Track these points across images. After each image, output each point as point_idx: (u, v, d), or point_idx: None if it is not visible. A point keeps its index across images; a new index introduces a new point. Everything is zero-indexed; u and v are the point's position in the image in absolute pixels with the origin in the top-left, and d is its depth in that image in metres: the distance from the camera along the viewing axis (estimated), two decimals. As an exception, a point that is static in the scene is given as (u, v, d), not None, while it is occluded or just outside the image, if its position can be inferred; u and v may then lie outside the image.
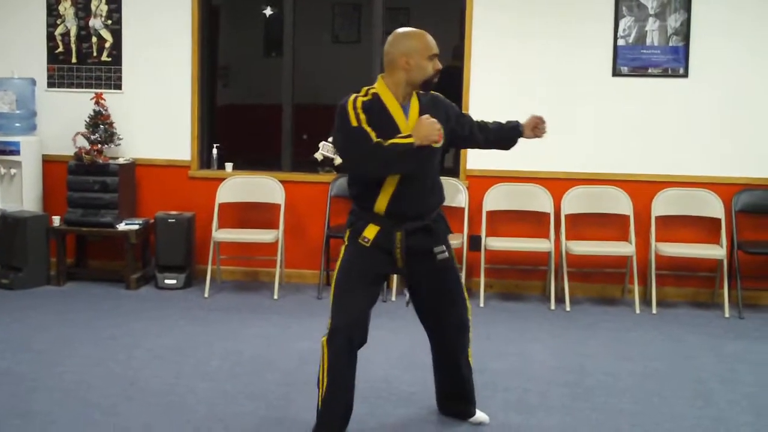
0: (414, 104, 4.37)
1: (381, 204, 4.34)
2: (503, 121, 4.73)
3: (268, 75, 9.30)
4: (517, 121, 4.70)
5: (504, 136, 4.74)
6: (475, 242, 7.38)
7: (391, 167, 4.23)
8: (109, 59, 7.96)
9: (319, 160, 7.78)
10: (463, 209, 7.45)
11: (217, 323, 6.64)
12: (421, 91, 4.40)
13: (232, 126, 9.34)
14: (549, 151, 7.47)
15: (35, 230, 7.53)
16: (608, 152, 7.50)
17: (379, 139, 4.15)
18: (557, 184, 7.46)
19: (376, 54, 7.79)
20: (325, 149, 7.77)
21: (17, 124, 7.81)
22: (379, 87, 4.35)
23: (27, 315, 6.73)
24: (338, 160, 7.75)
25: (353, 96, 4.29)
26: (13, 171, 7.75)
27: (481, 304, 7.18)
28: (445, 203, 7.22)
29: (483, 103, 7.49)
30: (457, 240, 7.31)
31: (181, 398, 5.06)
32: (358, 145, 4.18)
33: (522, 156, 7.45)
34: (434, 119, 4.19)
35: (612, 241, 7.44)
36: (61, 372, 5.52)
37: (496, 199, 7.48)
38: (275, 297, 7.30)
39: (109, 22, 7.95)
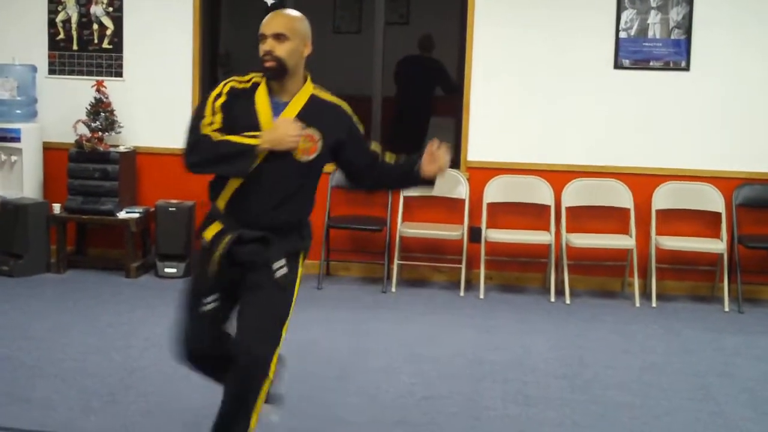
0: (295, 104, 3.76)
1: (222, 199, 3.77)
2: (406, 157, 4.00)
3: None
4: (417, 160, 3.90)
5: (402, 180, 4.04)
6: (475, 234, 7.38)
7: (214, 166, 3.67)
8: (110, 47, 7.94)
9: (320, 150, 7.75)
10: (463, 201, 7.44)
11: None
12: (315, 90, 3.84)
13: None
14: (550, 143, 7.47)
15: (36, 217, 7.52)
16: (609, 145, 7.49)
17: (215, 132, 3.63)
18: (558, 176, 7.45)
19: (377, 45, 7.77)
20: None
21: (18, 111, 7.80)
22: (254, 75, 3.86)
23: (27, 302, 6.73)
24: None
25: (231, 78, 3.85)
26: (13, 158, 7.73)
27: (481, 296, 7.18)
28: (446, 195, 7.38)
29: (484, 94, 7.48)
30: (457, 231, 7.31)
31: (178, 387, 5.06)
32: (192, 132, 3.66)
33: (523, 148, 7.50)
34: (296, 124, 3.63)
35: (612, 234, 7.43)
36: (61, 359, 5.52)
37: (496, 191, 7.46)
38: (275, 287, 7.28)
39: (111, 9, 7.92)
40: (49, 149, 7.95)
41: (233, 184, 3.72)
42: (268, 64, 3.73)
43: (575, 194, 7.43)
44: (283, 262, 3.77)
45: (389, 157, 3.97)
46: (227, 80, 3.80)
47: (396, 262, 7.39)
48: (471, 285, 7.40)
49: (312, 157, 3.74)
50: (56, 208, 7.67)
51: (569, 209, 7.43)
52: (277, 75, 3.75)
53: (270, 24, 3.79)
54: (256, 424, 3.84)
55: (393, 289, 7.30)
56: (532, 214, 7.51)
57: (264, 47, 3.74)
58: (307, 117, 3.70)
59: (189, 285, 3.94)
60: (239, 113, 3.70)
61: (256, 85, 3.79)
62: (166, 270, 7.51)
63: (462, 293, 7.24)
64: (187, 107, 7.79)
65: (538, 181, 7.45)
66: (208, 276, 3.80)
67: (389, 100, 8.53)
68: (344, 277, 7.68)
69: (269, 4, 9.36)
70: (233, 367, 3.72)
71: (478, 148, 7.52)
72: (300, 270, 3.93)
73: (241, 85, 3.79)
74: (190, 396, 4.93)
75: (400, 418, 4.78)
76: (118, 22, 7.92)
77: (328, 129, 3.77)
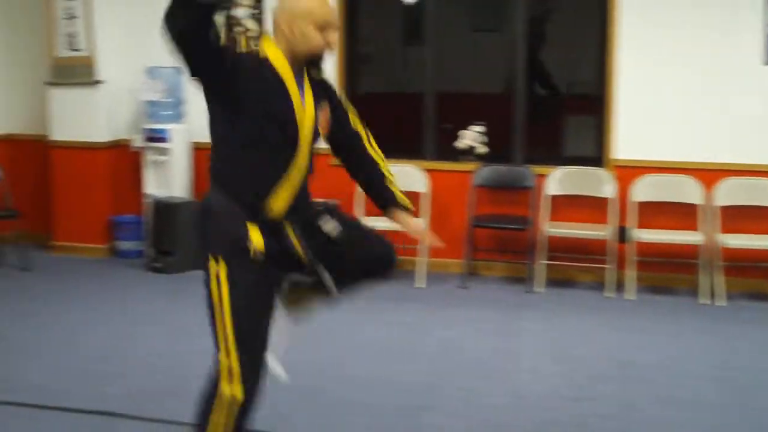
0: (307, 82, 3.51)
1: (279, 202, 3.49)
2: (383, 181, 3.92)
3: (408, 64, 9.29)
4: (391, 201, 3.89)
5: (371, 194, 3.95)
6: (622, 233, 7.22)
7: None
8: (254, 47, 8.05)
9: (463, 148, 7.74)
10: (609, 200, 7.30)
11: (360, 311, 6.65)
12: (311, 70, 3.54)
13: (373, 115, 9.34)
14: (699, 141, 7.27)
15: (185, 216, 7.68)
16: (761, 143, 7.24)
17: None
18: (707, 174, 7.23)
19: (517, 42, 7.70)
20: (468, 138, 7.72)
21: (166, 113, 7.98)
22: (267, 46, 3.44)
23: (179, 298, 6.88)
24: (482, 149, 7.70)
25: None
26: (162, 158, 7.93)
27: (630, 297, 7.03)
28: (590, 194, 7.27)
29: (630, 91, 7.32)
30: (604, 231, 7.18)
31: (322, 384, 5.10)
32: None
33: (670, 146, 7.32)
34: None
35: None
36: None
37: (643, 190, 7.30)
38: (418, 285, 7.29)
39: (254, 11, 8.04)
40: (197, 149, 8.12)
41: (295, 179, 3.51)
42: (329, 55, 3.52)
43: (727, 193, 7.20)
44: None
45: (370, 148, 3.90)
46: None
47: (541, 261, 7.30)
48: (619, 286, 7.26)
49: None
50: (204, 206, 7.82)
51: (722, 209, 7.20)
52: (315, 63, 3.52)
53: (334, 14, 3.49)
54: None
55: (538, 289, 7.21)
56: (680, 214, 7.32)
57: (333, 38, 3.46)
58: (315, 92, 3.52)
59: (240, 301, 3.40)
60: (265, 79, 3.38)
61: (264, 57, 3.41)
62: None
63: (610, 294, 7.10)
64: (331, 107, 7.85)
65: (687, 179, 7.25)
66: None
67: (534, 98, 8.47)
68: (488, 277, 7.63)
69: (406, 4, 9.38)
70: None
71: (624, 145, 7.37)
72: None
73: (248, 50, 3.45)
74: (332, 394, 4.95)
75: (550, 420, 4.72)
76: (261, 24, 8.04)
77: (324, 103, 3.61)
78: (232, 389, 3.36)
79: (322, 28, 3.41)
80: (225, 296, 3.36)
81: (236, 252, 3.38)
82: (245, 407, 3.42)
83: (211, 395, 3.41)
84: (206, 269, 3.38)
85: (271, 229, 3.45)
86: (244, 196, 3.44)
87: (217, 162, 3.55)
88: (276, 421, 4.55)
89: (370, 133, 3.89)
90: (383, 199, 3.89)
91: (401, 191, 3.91)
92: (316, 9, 3.41)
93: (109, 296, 6.94)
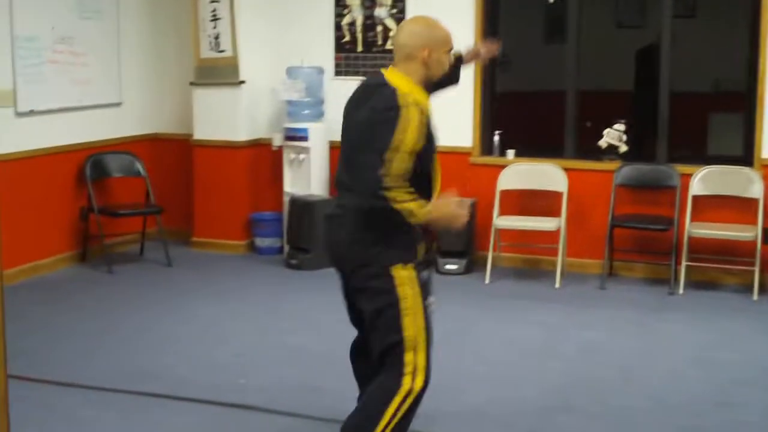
0: None
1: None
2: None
3: (548, 61, 9.18)
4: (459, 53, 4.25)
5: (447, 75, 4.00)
6: (769, 235, 6.99)
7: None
8: (393, 47, 8.07)
9: (604, 147, 7.60)
10: (757, 200, 7.06)
11: (498, 309, 6.62)
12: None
13: (513, 113, 9.29)
14: None
15: (322, 213, 7.69)
16: None
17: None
18: None
19: (664, 39, 7.50)
20: (610, 136, 7.57)
21: (306, 112, 8.06)
22: (409, 86, 3.69)
23: (315, 295, 6.94)
24: (623, 148, 7.55)
25: (405, 98, 3.60)
26: (302, 156, 8.01)
27: (776, 301, 6.80)
28: (736, 194, 7.04)
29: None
30: (751, 232, 6.94)
31: (458, 382, 5.06)
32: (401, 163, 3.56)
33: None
34: (463, 205, 3.65)
35: None
36: (347, 351, 5.63)
37: (793, 190, 7.04)
38: (557, 285, 7.18)
39: (394, 11, 8.06)
40: (335, 148, 8.15)
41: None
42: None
43: None
44: None
45: None
46: (414, 101, 3.64)
47: (684, 263, 7.10)
48: (764, 289, 7.01)
49: None
50: (342, 205, 7.88)
51: None
52: None
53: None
54: None
55: (680, 291, 7.01)
56: (832, 215, 7.03)
57: (452, 60, 3.93)
58: None
59: (425, 303, 3.74)
60: (429, 132, 3.71)
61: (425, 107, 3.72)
62: (447, 266, 7.54)
63: (755, 297, 6.85)
64: (469, 106, 7.83)
65: (840, 179, 6.97)
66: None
67: (679, 95, 8.27)
68: (628, 278, 7.46)
69: (549, 2, 9.28)
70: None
71: (774, 144, 7.12)
72: None
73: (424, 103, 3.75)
74: (470, 391, 4.92)
75: (690, 425, 4.60)
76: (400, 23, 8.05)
77: None
78: (414, 384, 3.65)
79: (449, 52, 3.82)
80: (418, 299, 3.67)
81: (413, 260, 3.70)
82: (419, 399, 3.70)
83: (389, 390, 3.65)
84: (389, 276, 3.63)
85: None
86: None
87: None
88: (418, 421, 4.54)
89: None
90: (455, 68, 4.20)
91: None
92: (449, 36, 3.80)
93: (246, 292, 7.05)
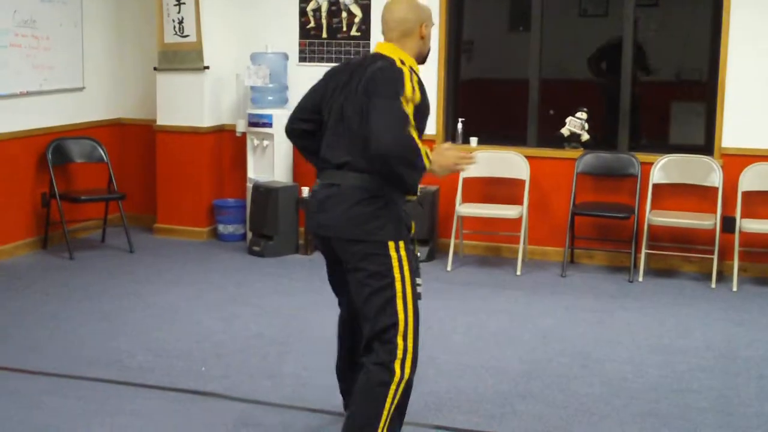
0: None
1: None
2: None
3: (512, 49, 9.20)
4: None
5: None
6: (728, 224, 7.05)
7: (405, 168, 3.60)
8: (358, 34, 8.08)
9: (566, 135, 7.64)
10: (716, 189, 7.13)
11: (460, 297, 6.65)
12: None
13: (477, 101, 9.31)
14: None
15: (286, 200, 7.74)
16: None
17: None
18: (820, 163, 7.02)
19: (626, 28, 7.55)
20: (572, 124, 7.62)
21: (270, 98, 8.05)
22: (405, 56, 3.78)
23: (277, 282, 6.95)
24: (585, 136, 7.60)
25: (402, 64, 3.70)
26: (265, 143, 8.00)
27: (734, 289, 6.85)
28: (696, 182, 7.11)
29: (741, 78, 7.13)
30: (710, 221, 7.01)
31: (419, 370, 5.07)
32: (404, 119, 3.57)
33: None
34: (458, 151, 3.72)
35: None
36: (310, 338, 5.66)
37: (752, 179, 7.10)
38: (518, 273, 7.22)
39: (359, -3, 8.07)
40: (299, 134, 8.16)
41: None
42: None
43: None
44: None
45: None
46: (408, 69, 3.73)
47: (644, 251, 7.16)
48: (723, 277, 7.09)
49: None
50: (305, 191, 7.87)
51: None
52: None
53: None
54: None
55: (640, 279, 7.08)
56: (790, 204, 7.12)
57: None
58: None
59: (414, 286, 3.72)
60: (423, 102, 3.74)
61: (412, 69, 3.80)
62: (410, 254, 7.56)
63: (713, 285, 6.93)
64: (432, 94, 7.82)
65: (798, 168, 7.05)
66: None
67: (642, 84, 8.32)
68: (588, 265, 7.52)
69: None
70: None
71: (733, 134, 7.18)
72: None
73: (416, 74, 3.80)
74: (434, 380, 4.95)
75: (649, 410, 4.64)
76: (366, 9, 8.04)
77: None
78: (404, 370, 3.64)
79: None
80: (408, 282, 3.64)
81: (407, 238, 3.71)
82: (410, 385, 3.72)
83: (382, 381, 3.62)
84: (385, 256, 3.61)
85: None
86: (404, 186, 3.72)
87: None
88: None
89: None
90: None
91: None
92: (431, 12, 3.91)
93: (209, 278, 7.04)
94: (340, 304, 4.11)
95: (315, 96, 3.94)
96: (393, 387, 3.63)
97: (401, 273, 3.63)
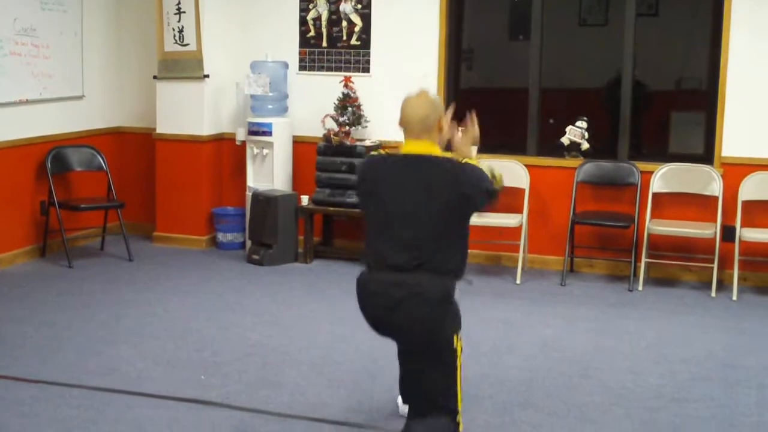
0: None
1: None
2: None
3: (512, 58, 9.20)
4: None
5: None
6: (728, 233, 7.04)
7: None
8: (358, 43, 8.08)
9: (566, 144, 7.64)
10: (716, 198, 7.12)
11: (459, 305, 6.61)
12: None
13: (477, 109, 9.30)
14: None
15: (285, 209, 7.73)
16: None
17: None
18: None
19: (626, 38, 7.54)
20: (572, 133, 7.62)
21: (270, 106, 8.05)
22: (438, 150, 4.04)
23: (276, 290, 6.94)
24: (585, 145, 7.59)
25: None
26: (265, 151, 7.99)
27: (734, 298, 6.84)
28: (696, 191, 7.10)
29: (741, 88, 7.13)
30: (710, 230, 7.00)
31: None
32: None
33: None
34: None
35: None
36: (308, 347, 5.65)
37: (752, 188, 7.09)
38: (518, 282, 7.21)
39: (359, 6, 8.05)
40: (298, 143, 8.17)
41: None
42: None
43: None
44: None
45: None
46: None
47: (644, 260, 7.15)
48: (723, 286, 7.08)
49: None
50: (304, 200, 7.88)
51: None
52: None
53: None
54: None
55: (640, 288, 7.07)
56: (790, 213, 7.11)
57: None
58: None
59: None
60: None
61: None
62: (409, 263, 7.55)
63: (713, 294, 6.92)
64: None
65: (798, 177, 7.04)
66: None
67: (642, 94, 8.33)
68: (588, 274, 7.51)
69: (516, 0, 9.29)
70: None
71: (733, 143, 7.17)
72: None
73: None
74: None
75: (649, 420, 4.63)
76: (366, 18, 8.05)
77: None
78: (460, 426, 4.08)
79: None
80: (460, 365, 4.02)
81: None
82: None
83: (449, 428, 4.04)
84: (451, 344, 3.96)
85: None
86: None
87: (454, 255, 3.97)
88: (375, 416, 4.58)
89: None
90: None
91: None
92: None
93: (208, 287, 7.03)
94: None
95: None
96: None
97: (461, 359, 4.06)
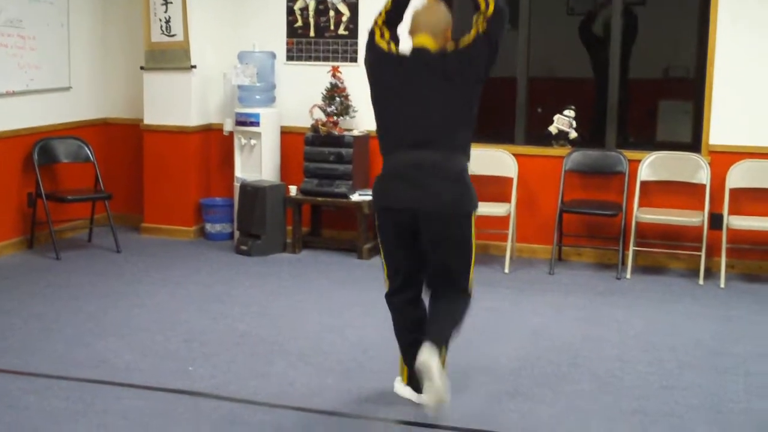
0: None
1: None
2: None
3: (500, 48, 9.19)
4: None
5: None
6: (716, 220, 7.06)
7: None
8: (346, 33, 8.07)
9: (554, 133, 7.65)
10: (704, 186, 7.14)
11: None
12: None
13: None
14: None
15: (273, 199, 7.73)
16: None
17: None
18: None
19: (614, 27, 7.54)
20: (560, 122, 7.62)
21: (257, 97, 8.04)
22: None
23: (264, 281, 6.93)
24: (573, 134, 7.60)
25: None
26: (253, 142, 7.98)
27: (722, 285, 6.86)
28: (684, 179, 7.11)
29: (728, 76, 7.14)
30: (697, 218, 7.02)
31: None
32: None
33: (768, 130, 7.13)
34: None
35: None
36: (297, 337, 5.65)
37: (740, 176, 7.11)
38: (506, 271, 7.22)
39: (346, -5, 8.05)
40: (286, 133, 8.16)
41: None
42: None
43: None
44: None
45: None
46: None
47: (632, 248, 7.17)
48: (711, 273, 7.10)
49: None
50: (292, 190, 7.87)
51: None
52: None
53: None
54: None
55: (628, 276, 7.09)
56: (778, 201, 7.13)
57: None
58: None
59: None
60: None
61: None
62: (398, 252, 7.56)
63: (701, 282, 6.95)
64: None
65: (785, 165, 7.06)
66: None
67: (630, 82, 8.34)
68: (577, 263, 7.52)
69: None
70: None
71: (721, 131, 7.18)
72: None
73: None
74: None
75: (637, 407, 4.63)
76: (353, 8, 8.03)
77: None
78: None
79: None
80: (475, 245, 4.40)
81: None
82: None
83: (466, 302, 4.44)
84: (469, 222, 4.32)
85: None
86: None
87: (466, 136, 4.41)
88: (365, 407, 4.57)
89: None
90: None
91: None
92: None
93: (196, 278, 7.02)
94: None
95: None
96: (468, 307, 4.48)
97: (475, 236, 4.45)
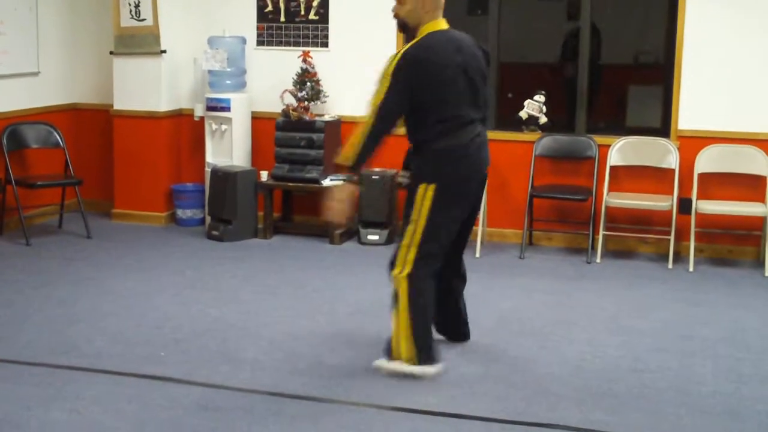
0: None
1: None
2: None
3: (471, 33, 9.19)
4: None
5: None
6: (685, 205, 7.12)
7: None
8: (317, 18, 8.05)
9: (524, 118, 7.67)
10: (673, 170, 7.19)
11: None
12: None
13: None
14: (765, 111, 7.11)
15: (244, 185, 7.71)
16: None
17: None
18: (774, 145, 7.10)
19: (584, 12, 7.57)
20: (530, 107, 7.64)
21: (228, 82, 8.01)
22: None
23: (236, 266, 6.93)
24: (543, 119, 7.63)
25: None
26: (223, 127, 7.96)
27: (691, 269, 6.92)
28: (653, 164, 7.16)
29: (696, 61, 7.20)
30: (666, 202, 7.07)
31: (377, 354, 5.07)
32: None
33: (736, 116, 7.19)
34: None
35: (833, 206, 7.02)
36: (268, 322, 5.65)
37: (708, 161, 7.17)
38: (477, 255, 7.25)
39: (317, -20, 8.03)
40: (257, 118, 8.15)
41: None
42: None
43: (793, 164, 7.06)
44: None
45: None
46: None
47: (601, 232, 7.22)
48: (679, 257, 7.16)
49: None
50: (263, 175, 7.86)
51: (787, 180, 7.06)
52: (401, 30, 5.07)
53: None
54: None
55: (598, 260, 7.14)
56: (745, 185, 7.18)
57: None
58: None
59: None
60: None
61: None
62: (369, 237, 7.58)
63: (670, 266, 7.01)
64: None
65: (753, 150, 7.11)
66: None
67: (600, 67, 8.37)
68: (547, 247, 7.57)
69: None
70: None
71: (689, 116, 7.24)
72: (419, 198, 4.73)
73: None
74: (393, 361, 4.96)
75: (607, 390, 4.67)
76: (324, -7, 8.02)
77: None
78: None
79: None
80: None
81: None
82: None
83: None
84: None
85: None
86: None
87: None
88: (339, 390, 4.59)
89: None
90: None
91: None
92: None
93: (167, 263, 7.00)
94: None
95: None
96: None
97: None
